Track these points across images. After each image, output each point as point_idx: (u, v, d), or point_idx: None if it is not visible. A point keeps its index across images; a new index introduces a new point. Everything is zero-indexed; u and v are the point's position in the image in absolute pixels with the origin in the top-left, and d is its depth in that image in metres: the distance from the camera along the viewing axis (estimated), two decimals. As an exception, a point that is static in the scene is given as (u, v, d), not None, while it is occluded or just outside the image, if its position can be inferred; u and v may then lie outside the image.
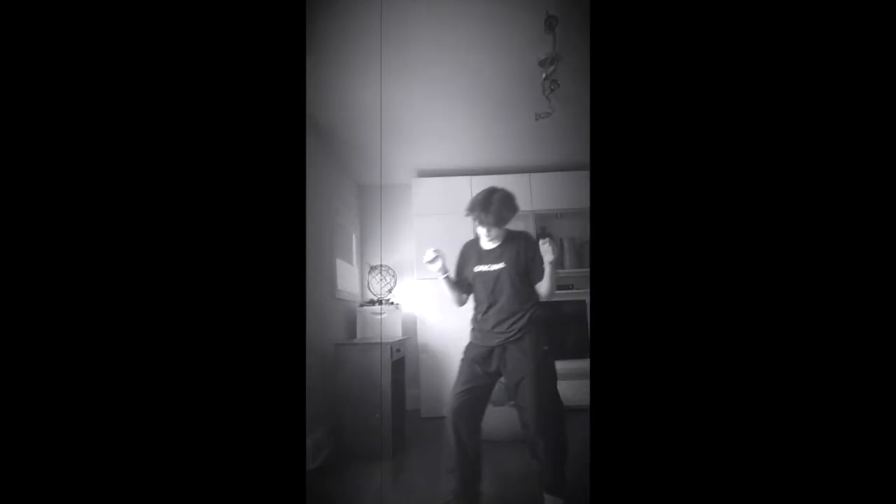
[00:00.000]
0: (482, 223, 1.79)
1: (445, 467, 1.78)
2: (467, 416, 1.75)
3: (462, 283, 1.94)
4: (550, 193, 3.72)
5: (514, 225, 4.10)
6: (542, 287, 1.79)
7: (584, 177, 3.70)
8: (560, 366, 3.50)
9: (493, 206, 1.75)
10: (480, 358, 1.81)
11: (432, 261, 1.84)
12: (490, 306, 1.83)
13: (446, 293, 1.94)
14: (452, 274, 1.94)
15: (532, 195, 3.70)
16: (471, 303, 1.94)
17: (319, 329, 2.78)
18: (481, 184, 3.79)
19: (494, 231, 1.81)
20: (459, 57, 2.22)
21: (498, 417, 2.79)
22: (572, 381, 3.46)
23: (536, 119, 2.71)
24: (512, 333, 1.77)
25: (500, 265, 1.82)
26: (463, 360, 1.85)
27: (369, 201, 4.19)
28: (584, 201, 3.63)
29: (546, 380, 1.76)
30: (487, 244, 1.87)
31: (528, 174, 3.74)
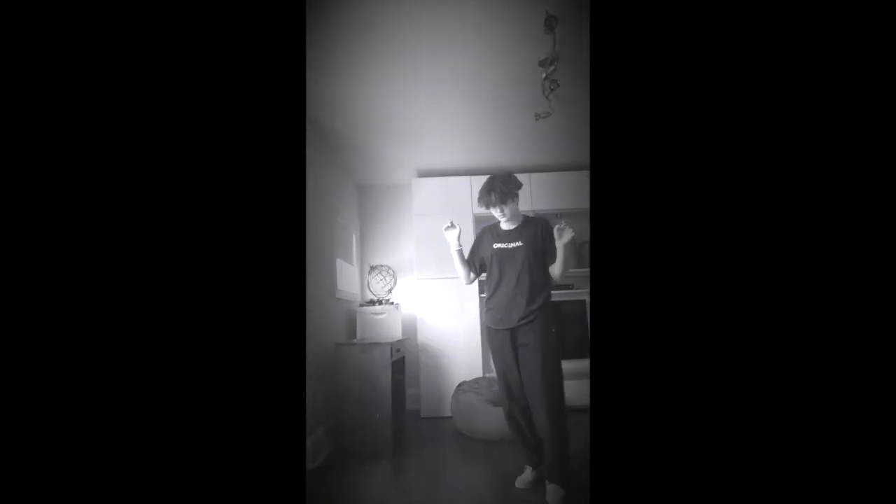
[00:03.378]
0: (491, 206, 1.95)
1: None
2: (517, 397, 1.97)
3: (472, 262, 2.10)
4: (550, 193, 3.71)
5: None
6: (555, 269, 1.93)
7: (584, 177, 3.70)
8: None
9: (495, 186, 1.92)
10: (501, 346, 1.96)
11: (449, 228, 2.05)
12: (501, 283, 1.97)
13: (456, 266, 2.11)
14: (465, 251, 2.10)
15: (532, 195, 3.70)
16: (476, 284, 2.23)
17: (319, 329, 2.78)
18: (481, 184, 3.81)
19: (506, 210, 1.95)
20: (459, 57, 2.22)
21: (498, 417, 2.78)
22: (572, 381, 3.46)
23: (536, 119, 2.70)
24: (525, 315, 1.89)
25: (518, 243, 1.96)
26: (491, 351, 2.03)
27: (369, 201, 4.19)
28: (584, 201, 3.63)
29: (553, 372, 1.89)
30: (506, 225, 2.03)
31: (528, 174, 3.73)
